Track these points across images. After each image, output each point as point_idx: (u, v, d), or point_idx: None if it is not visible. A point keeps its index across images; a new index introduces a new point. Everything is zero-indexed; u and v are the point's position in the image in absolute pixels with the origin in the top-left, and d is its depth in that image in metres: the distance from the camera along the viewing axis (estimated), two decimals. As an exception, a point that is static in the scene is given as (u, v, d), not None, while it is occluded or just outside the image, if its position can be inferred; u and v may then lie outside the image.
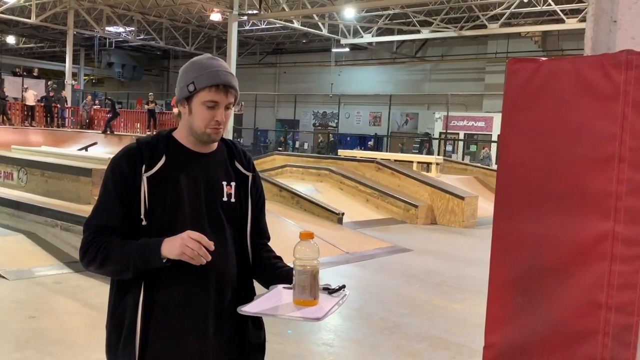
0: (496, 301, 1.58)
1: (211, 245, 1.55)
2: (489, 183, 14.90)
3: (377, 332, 5.03)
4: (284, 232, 8.72)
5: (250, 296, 1.73)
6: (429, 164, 15.16)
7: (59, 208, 7.23)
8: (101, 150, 16.92)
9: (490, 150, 21.93)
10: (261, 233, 1.84)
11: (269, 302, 1.58)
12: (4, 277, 5.92)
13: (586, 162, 1.39)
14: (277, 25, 24.45)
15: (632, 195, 1.32)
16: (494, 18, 20.85)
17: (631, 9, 1.51)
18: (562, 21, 19.18)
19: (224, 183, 1.74)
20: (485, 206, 11.79)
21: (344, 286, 1.67)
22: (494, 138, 22.63)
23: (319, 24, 23.70)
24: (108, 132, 20.46)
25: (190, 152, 1.72)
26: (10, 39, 33.54)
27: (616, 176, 1.34)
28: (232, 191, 1.74)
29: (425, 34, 23.21)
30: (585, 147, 1.39)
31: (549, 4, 19.05)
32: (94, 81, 39.40)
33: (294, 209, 10.31)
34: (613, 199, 1.34)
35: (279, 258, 1.85)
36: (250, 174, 1.80)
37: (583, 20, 18.01)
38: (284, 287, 1.64)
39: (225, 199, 1.73)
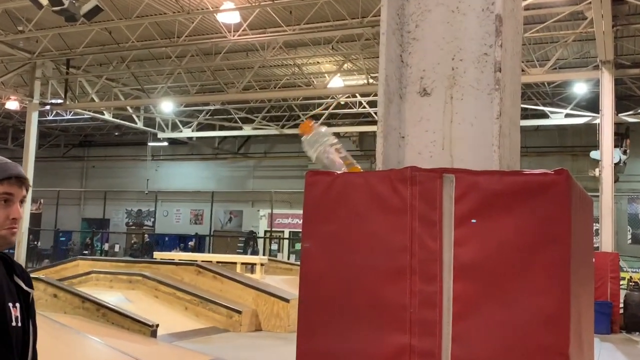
0: None
1: None
2: (315, 283, 15.31)
3: None
4: (85, 351, 7.99)
5: None
6: (253, 264, 15.18)
7: None
8: None
9: (315, 248, 22.73)
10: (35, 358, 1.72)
11: None
12: None
13: (381, 274, 1.49)
14: (85, 116, 23.65)
15: (424, 307, 1.43)
16: (315, 118, 22.38)
17: (416, 125, 1.70)
18: (375, 123, 21.20)
19: (10, 305, 1.59)
20: (311, 308, 12.03)
21: None
22: (319, 236, 23.57)
23: (134, 116, 23.41)
24: None
25: None
26: None
27: (409, 288, 1.45)
28: (18, 313, 1.62)
29: (247, 130, 24.03)
30: (379, 258, 1.49)
31: (364, 107, 21.01)
32: None
33: (99, 323, 9.55)
34: (407, 311, 1.44)
35: None
36: (31, 291, 1.70)
37: (395, 122, 20.08)
38: None
39: (14, 323, 1.59)
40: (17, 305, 1.62)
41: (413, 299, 1.44)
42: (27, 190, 1.63)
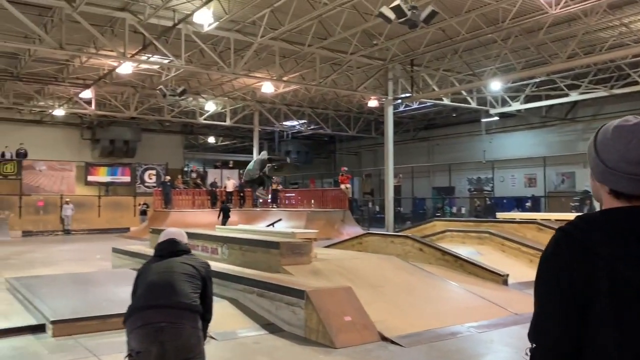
0: None
1: None
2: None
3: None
4: (449, 294, 8.35)
5: None
6: (592, 221, 13.71)
7: (255, 277, 7.67)
8: (284, 225, 17.88)
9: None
10: None
11: None
12: (213, 338, 6.37)
13: None
14: (428, 103, 24.59)
15: None
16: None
17: None
18: None
19: None
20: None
21: None
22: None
23: (468, 98, 23.39)
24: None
25: None
26: (211, 139, 37.79)
27: None
28: None
29: (574, 96, 21.72)
30: None
31: None
32: (275, 167, 42.39)
33: (458, 272, 9.86)
34: None
35: None
36: None
37: None
38: None
39: None
40: None
41: None
42: None
